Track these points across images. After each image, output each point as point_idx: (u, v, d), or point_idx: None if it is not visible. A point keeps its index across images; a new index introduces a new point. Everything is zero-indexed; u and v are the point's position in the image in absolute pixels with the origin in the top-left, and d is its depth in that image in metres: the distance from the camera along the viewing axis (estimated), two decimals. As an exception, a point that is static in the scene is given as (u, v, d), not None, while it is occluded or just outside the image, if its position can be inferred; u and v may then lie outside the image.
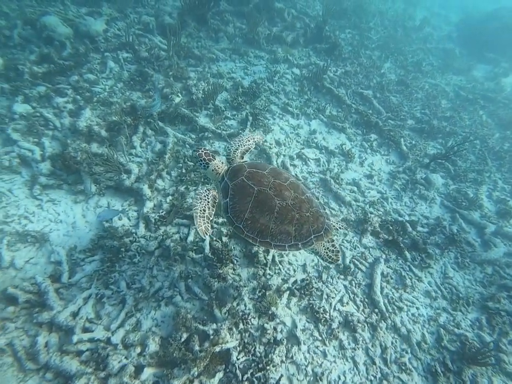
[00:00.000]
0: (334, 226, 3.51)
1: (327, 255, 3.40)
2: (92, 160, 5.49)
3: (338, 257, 3.43)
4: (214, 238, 5.09)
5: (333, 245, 3.44)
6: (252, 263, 5.04)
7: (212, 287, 4.58)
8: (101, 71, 7.25)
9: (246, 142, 3.87)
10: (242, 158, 3.82)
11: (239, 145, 3.78)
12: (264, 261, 5.03)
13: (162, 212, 5.25)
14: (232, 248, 5.09)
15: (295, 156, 6.70)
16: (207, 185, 3.75)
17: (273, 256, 5.10)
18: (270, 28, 9.72)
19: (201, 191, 3.38)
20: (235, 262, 4.99)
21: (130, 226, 5.16)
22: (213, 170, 3.52)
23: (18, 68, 6.60)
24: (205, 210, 3.24)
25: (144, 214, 5.18)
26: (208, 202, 3.32)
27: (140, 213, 5.26)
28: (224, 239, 5.13)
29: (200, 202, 3.27)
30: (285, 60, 9.01)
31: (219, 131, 6.56)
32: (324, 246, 3.40)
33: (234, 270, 4.93)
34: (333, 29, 11.21)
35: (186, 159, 5.99)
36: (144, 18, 8.40)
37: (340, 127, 7.73)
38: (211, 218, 3.27)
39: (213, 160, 3.51)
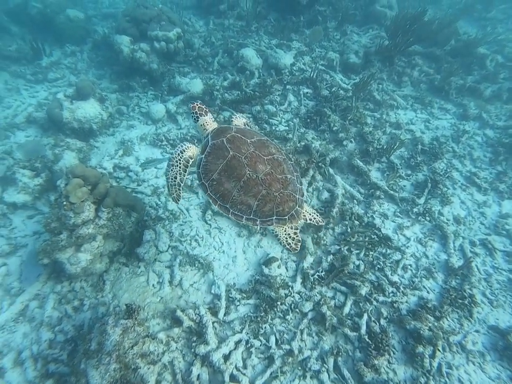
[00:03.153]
0: (304, 216, 3.47)
1: (286, 241, 3.41)
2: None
3: (298, 247, 3.43)
4: (372, 319, 4.74)
5: (295, 233, 3.43)
6: (411, 362, 4.52)
7: (363, 377, 4.26)
8: (280, 103, 7.69)
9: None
10: (245, 125, 3.99)
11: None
12: (428, 367, 4.44)
13: (321, 272, 5.17)
14: (391, 335, 4.66)
15: (477, 242, 5.84)
16: (184, 142, 3.62)
17: (440, 365, 4.47)
18: (464, 76, 8.86)
19: (174, 154, 3.50)
20: (392, 353, 4.55)
21: (287, 277, 5.22)
22: (201, 125, 3.65)
23: (214, 93, 7.47)
24: (176, 177, 3.44)
25: (303, 269, 5.17)
26: (180, 167, 3.47)
27: (298, 266, 5.29)
28: (383, 321, 4.74)
29: (172, 169, 3.45)
30: (476, 117, 8.05)
31: (391, 192, 6.19)
32: (285, 231, 3.40)
33: (389, 362, 4.49)
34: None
35: (353, 217, 5.80)
36: (330, 54, 8.63)
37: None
38: (182, 184, 3.49)
39: (204, 116, 3.64)
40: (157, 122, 7.59)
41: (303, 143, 6.67)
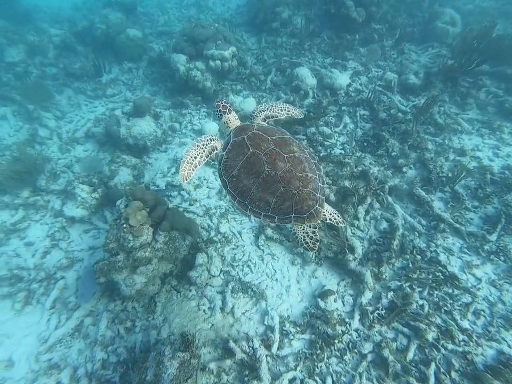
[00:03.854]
0: (324, 215, 3.38)
1: (304, 240, 3.33)
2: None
3: (316, 247, 3.32)
4: (442, 370, 4.36)
5: (313, 232, 3.32)
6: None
7: None
8: (335, 125, 7.53)
9: (276, 109, 3.94)
10: (265, 121, 3.87)
11: (267, 109, 3.88)
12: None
13: (381, 309, 4.87)
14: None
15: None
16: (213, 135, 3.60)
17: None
18: (537, 97, 8.23)
19: (203, 138, 3.49)
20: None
21: (344, 312, 4.98)
22: (224, 123, 3.72)
23: (267, 113, 7.42)
24: (195, 158, 3.36)
25: (361, 305, 4.91)
26: (204, 151, 3.43)
27: (356, 301, 5.03)
28: (454, 374, 4.34)
29: (195, 149, 3.40)
30: (553, 144, 7.42)
31: (457, 225, 5.78)
32: (303, 230, 3.33)
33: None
34: None
35: (414, 250, 5.46)
36: (387, 75, 8.37)
37: None
38: (198, 167, 3.39)
39: (227, 114, 3.70)
40: (209, 140, 7.66)
41: (360, 168, 6.43)
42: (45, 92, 8.85)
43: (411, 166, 6.77)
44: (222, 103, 3.74)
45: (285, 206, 3.15)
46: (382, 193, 6.21)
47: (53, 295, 5.41)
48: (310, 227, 3.34)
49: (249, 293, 5.19)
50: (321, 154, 6.93)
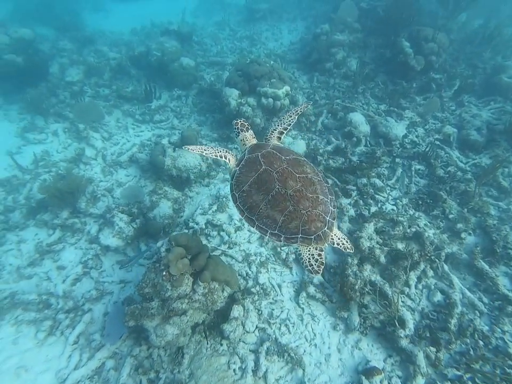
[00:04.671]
0: (332, 239, 3.30)
1: (309, 262, 3.20)
2: (365, 289, 5.20)
3: (320, 270, 3.16)
4: None
5: (319, 254, 3.22)
6: None
7: None
8: (388, 178, 7.17)
9: (287, 120, 3.96)
10: (280, 138, 3.91)
11: (277, 125, 3.93)
12: None
13: (435, 400, 4.32)
14: None
15: None
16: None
17: None
18: None
19: (220, 149, 3.70)
20: None
21: (389, 398, 4.45)
22: (241, 140, 3.83)
23: (317, 157, 7.22)
24: (206, 150, 3.62)
25: (413, 393, 4.38)
26: (214, 153, 3.63)
27: (405, 385, 4.50)
28: None
29: (209, 151, 3.63)
30: None
31: (527, 309, 5.18)
32: (309, 251, 3.24)
33: None
34: None
35: (476, 334, 4.90)
36: (446, 129, 8.00)
37: None
38: (204, 152, 3.60)
39: (245, 132, 3.82)
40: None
41: (413, 229, 6.00)
42: (97, 112, 9.11)
43: (470, 232, 6.26)
44: (240, 121, 3.88)
45: (293, 226, 3.12)
46: (437, 260, 5.73)
47: (78, 329, 5.22)
48: (317, 249, 3.27)
49: (285, 357, 4.78)
50: (371, 209, 6.57)
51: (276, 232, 3.14)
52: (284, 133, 3.95)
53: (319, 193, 3.26)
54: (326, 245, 3.24)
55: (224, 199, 6.97)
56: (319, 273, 3.20)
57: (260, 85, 8.09)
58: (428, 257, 5.67)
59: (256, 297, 5.46)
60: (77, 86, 10.17)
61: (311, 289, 5.47)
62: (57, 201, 6.67)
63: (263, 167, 3.29)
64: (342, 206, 6.59)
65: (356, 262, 5.60)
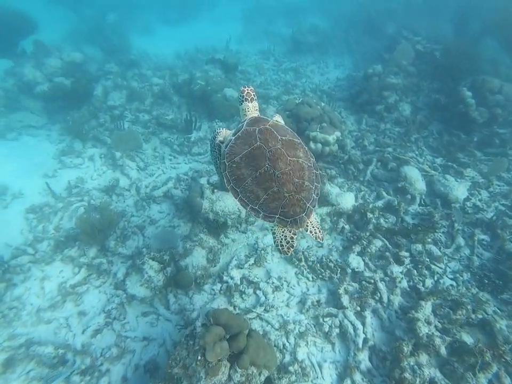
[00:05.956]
0: (307, 225, 3.44)
1: (280, 242, 3.38)
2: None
3: (289, 252, 3.36)
4: None
5: (291, 238, 3.38)
6: None
7: None
8: (445, 245, 6.49)
9: None
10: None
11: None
12: None
13: None
14: None
15: None
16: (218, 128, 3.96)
17: None
18: None
19: (210, 141, 3.92)
20: None
21: None
22: (243, 109, 3.81)
23: (367, 214, 6.67)
24: (217, 161, 3.89)
25: None
26: (217, 152, 3.82)
27: None
28: None
29: (212, 154, 3.94)
30: None
31: None
32: (283, 232, 3.38)
33: None
34: None
35: None
36: (514, 194, 7.29)
37: None
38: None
39: (248, 102, 3.75)
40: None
41: (479, 315, 5.28)
42: (135, 141, 8.96)
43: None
44: (247, 89, 3.80)
45: (273, 205, 3.24)
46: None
47: (93, 396, 4.78)
48: (290, 232, 3.38)
49: None
50: (425, 282, 5.89)
51: (257, 208, 3.28)
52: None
53: (305, 179, 3.37)
54: (300, 229, 3.36)
55: (262, 251, 6.48)
56: (288, 254, 3.37)
57: (310, 128, 7.68)
58: (503, 360, 4.88)
59: (294, 377, 4.83)
60: (118, 110, 10.13)
61: (358, 377, 4.81)
62: (87, 238, 6.40)
63: (258, 143, 3.35)
64: (393, 274, 5.96)
65: (410, 348, 4.94)
